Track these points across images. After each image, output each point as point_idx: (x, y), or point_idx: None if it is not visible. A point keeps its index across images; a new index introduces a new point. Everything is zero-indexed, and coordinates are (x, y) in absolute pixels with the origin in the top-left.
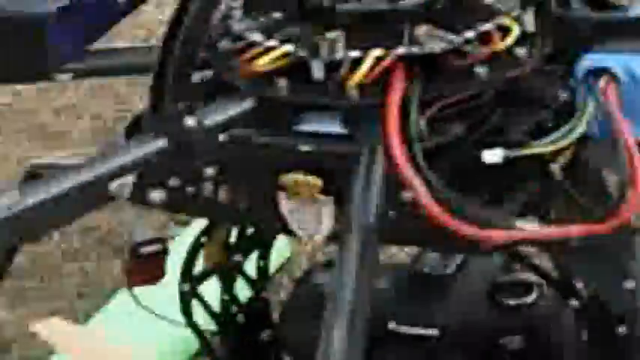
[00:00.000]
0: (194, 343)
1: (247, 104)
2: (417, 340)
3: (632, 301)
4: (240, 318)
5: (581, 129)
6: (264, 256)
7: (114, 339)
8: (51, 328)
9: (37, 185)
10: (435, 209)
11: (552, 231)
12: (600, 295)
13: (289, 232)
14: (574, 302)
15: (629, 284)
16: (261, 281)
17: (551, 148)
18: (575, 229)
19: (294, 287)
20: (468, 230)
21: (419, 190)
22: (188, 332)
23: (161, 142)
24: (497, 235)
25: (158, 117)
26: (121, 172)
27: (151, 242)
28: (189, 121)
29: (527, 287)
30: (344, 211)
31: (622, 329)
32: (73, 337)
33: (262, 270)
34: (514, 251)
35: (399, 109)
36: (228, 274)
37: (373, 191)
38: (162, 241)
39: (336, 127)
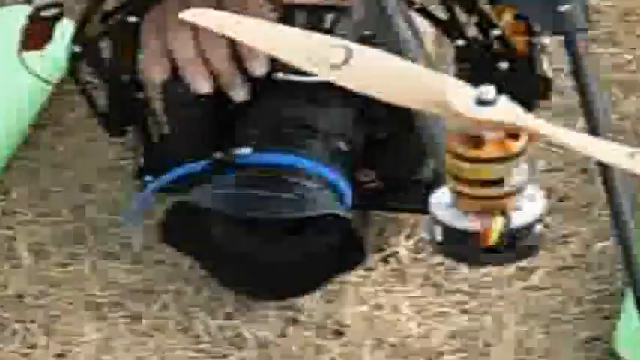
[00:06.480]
0: None
1: None
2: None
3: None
4: (125, 79)
5: None
6: None
7: None
8: None
9: None
10: None
11: None
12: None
13: None
14: (460, 42)
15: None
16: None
17: None
18: None
19: None
20: None
21: None
22: None
23: None
24: None
25: None
26: None
27: (50, 6)
28: None
29: None
30: None
31: (504, 64)
32: None
33: None
34: None
35: None
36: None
37: None
38: (61, 5)
39: None
